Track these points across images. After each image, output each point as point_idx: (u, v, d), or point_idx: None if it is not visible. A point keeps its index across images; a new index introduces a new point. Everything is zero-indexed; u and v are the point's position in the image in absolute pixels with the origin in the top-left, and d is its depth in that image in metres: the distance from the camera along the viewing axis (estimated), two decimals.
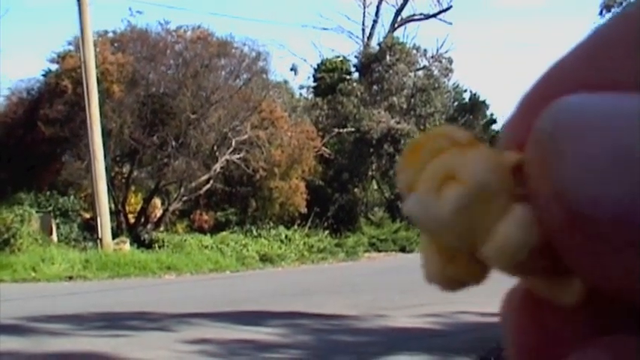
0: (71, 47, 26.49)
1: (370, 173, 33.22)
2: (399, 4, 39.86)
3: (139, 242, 23.73)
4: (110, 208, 23.85)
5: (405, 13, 40.21)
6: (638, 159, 0.28)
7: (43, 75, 26.85)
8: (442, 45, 43.34)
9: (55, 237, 22.98)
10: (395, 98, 32.71)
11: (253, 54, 28.05)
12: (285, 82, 35.93)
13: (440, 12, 40.11)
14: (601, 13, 38.88)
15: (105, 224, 22.41)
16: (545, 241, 0.30)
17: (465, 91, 38.13)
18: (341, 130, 31.54)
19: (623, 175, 0.28)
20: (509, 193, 0.30)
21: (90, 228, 23.53)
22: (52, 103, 24.95)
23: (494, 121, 37.16)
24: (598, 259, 0.30)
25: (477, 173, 0.29)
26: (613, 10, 38.65)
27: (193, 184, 26.39)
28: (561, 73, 0.34)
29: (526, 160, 0.31)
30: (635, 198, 0.28)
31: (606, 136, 0.29)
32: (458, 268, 0.31)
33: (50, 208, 23.73)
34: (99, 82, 23.12)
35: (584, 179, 0.29)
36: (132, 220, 26.69)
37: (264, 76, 29.17)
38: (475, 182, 0.29)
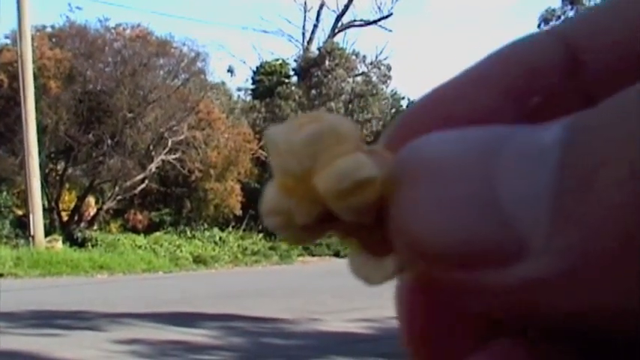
0: (8, 41, 26.17)
1: None
2: (340, 9, 40.11)
3: (71, 240, 23.48)
4: (43, 205, 23.56)
5: (345, 19, 40.46)
6: (462, 204, 0.28)
7: None
8: (381, 52, 43.63)
9: None
10: (333, 103, 32.84)
11: (192, 54, 28.01)
12: (223, 83, 35.95)
13: (380, 19, 40.43)
14: (539, 26, 39.48)
15: (37, 221, 22.16)
16: (380, 207, 0.32)
17: (403, 98, 38.42)
18: None
19: (449, 219, 0.28)
20: (357, 145, 0.32)
21: (22, 225, 23.22)
22: None
23: None
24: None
25: (334, 119, 0.32)
26: (551, 23, 39.35)
27: (128, 184, 26.23)
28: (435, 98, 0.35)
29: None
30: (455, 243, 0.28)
31: (434, 183, 0.29)
32: (291, 200, 0.33)
33: None
34: (35, 77, 22.87)
35: (416, 221, 0.29)
36: (65, 218, 26.46)
37: (203, 76, 29.15)
38: (329, 123, 0.32)
